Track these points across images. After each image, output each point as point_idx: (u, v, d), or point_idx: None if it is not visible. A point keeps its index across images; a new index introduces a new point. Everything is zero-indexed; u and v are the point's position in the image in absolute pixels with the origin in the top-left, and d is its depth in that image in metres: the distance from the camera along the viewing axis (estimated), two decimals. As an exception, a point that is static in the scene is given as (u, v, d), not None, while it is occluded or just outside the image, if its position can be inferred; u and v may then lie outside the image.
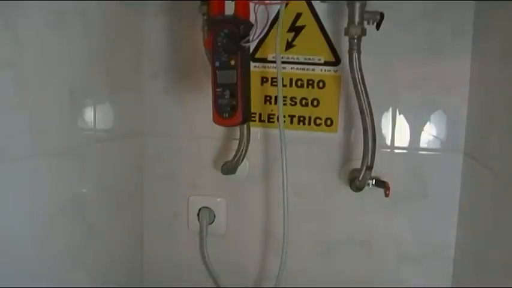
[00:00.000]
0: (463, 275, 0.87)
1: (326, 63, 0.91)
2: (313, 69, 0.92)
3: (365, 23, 0.78)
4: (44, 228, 0.68)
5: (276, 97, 0.93)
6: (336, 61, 0.91)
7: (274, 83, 0.93)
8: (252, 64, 0.89)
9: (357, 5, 0.76)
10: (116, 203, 0.89)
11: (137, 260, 1.02)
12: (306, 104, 0.93)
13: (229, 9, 0.77)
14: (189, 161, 0.99)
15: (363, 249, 0.95)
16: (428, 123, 0.89)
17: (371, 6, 0.78)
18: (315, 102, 0.92)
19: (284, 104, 0.92)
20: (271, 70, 0.93)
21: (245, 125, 0.88)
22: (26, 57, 0.62)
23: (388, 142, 0.91)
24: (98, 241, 0.83)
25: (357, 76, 0.79)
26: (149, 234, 1.02)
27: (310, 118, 0.93)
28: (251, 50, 0.87)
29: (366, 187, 0.85)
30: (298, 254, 0.94)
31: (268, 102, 0.94)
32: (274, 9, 0.81)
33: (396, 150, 0.91)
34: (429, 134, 0.90)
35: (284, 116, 0.92)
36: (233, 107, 0.74)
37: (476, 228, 0.82)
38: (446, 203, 0.90)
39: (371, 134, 0.81)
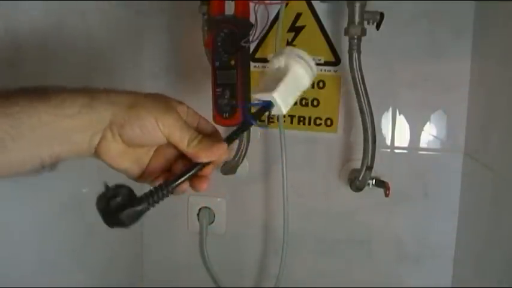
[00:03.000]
0: (463, 275, 0.87)
1: (326, 63, 0.91)
2: (313, 69, 0.91)
3: (365, 23, 0.78)
4: (44, 228, 0.68)
5: (276, 97, 0.93)
6: (336, 61, 0.91)
7: (274, 83, 0.93)
8: (252, 64, 0.89)
9: (357, 5, 0.76)
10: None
11: (137, 260, 1.02)
12: (306, 104, 0.93)
13: (229, 9, 0.77)
14: (189, 161, 0.99)
15: (363, 249, 0.95)
16: (428, 123, 0.89)
17: (371, 6, 0.78)
18: (315, 102, 0.92)
19: (284, 104, 0.92)
20: (271, 70, 0.93)
21: (245, 125, 0.88)
22: (26, 57, 0.62)
23: (388, 142, 0.91)
24: (97, 241, 0.83)
25: (357, 76, 0.79)
26: (149, 234, 1.02)
27: (310, 118, 0.93)
28: (251, 50, 0.87)
29: (366, 187, 0.85)
30: (298, 253, 0.94)
31: (268, 102, 0.94)
32: (274, 9, 0.81)
33: (396, 150, 0.91)
34: (429, 134, 0.90)
35: (284, 116, 0.92)
36: (233, 106, 0.74)
37: (476, 228, 0.82)
38: (446, 203, 0.90)
39: (371, 134, 0.81)
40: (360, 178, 0.83)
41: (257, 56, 0.92)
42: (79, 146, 0.39)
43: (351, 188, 0.88)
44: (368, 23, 0.78)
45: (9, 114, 0.35)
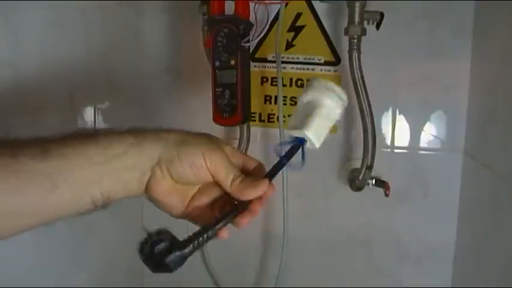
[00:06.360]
0: (463, 275, 0.87)
1: (326, 63, 0.91)
2: (313, 69, 0.92)
3: (365, 22, 0.78)
4: (44, 228, 0.68)
5: (276, 97, 0.93)
6: (336, 61, 0.91)
7: (274, 83, 0.93)
8: (252, 64, 0.89)
9: (357, 4, 0.76)
10: (115, 203, 0.89)
11: (137, 260, 1.02)
12: (306, 104, 0.93)
13: (229, 9, 0.77)
14: (189, 161, 0.98)
15: (363, 249, 0.94)
16: (428, 123, 0.89)
17: (371, 6, 0.78)
18: (315, 102, 0.92)
19: (284, 104, 0.92)
20: (271, 70, 0.93)
21: (245, 125, 0.88)
22: (26, 57, 0.62)
23: (388, 142, 0.91)
24: (97, 241, 0.83)
25: (356, 76, 0.79)
26: (149, 234, 1.02)
27: (310, 118, 0.93)
28: (251, 50, 0.87)
29: (366, 187, 0.85)
30: (298, 253, 0.93)
31: (268, 102, 0.94)
32: (274, 9, 0.81)
33: (396, 150, 0.91)
34: (429, 133, 0.90)
35: (284, 116, 0.92)
36: (233, 106, 0.74)
37: (476, 228, 0.82)
38: (446, 203, 0.90)
39: (371, 134, 0.81)
40: (360, 178, 0.83)
41: (257, 56, 0.92)
42: (129, 184, 0.40)
43: (351, 188, 0.88)
44: (368, 23, 0.78)
45: (61, 154, 0.37)
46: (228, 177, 0.42)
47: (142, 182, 0.41)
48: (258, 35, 0.74)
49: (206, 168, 0.41)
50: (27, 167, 0.35)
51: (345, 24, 0.79)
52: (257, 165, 0.46)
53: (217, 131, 0.94)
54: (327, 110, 0.46)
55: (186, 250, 0.39)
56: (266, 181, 0.43)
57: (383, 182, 0.85)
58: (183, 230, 0.43)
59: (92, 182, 0.38)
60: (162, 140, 0.40)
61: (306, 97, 0.46)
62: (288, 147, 0.46)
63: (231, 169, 0.42)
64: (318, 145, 0.46)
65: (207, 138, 0.43)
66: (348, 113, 0.91)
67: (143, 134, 0.40)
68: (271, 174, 0.44)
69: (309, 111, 0.45)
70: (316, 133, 0.45)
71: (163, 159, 0.40)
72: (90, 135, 0.39)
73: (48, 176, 0.36)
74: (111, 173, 0.39)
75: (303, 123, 0.45)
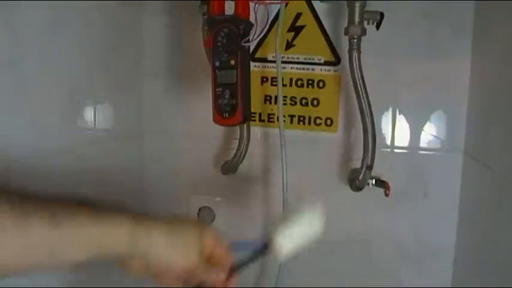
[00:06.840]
0: (463, 275, 0.87)
1: (326, 63, 0.91)
2: (313, 69, 0.92)
3: (365, 22, 0.78)
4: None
5: (276, 97, 0.93)
6: (336, 61, 0.91)
7: (274, 83, 0.93)
8: (252, 64, 0.89)
9: (357, 4, 0.76)
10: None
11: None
12: (306, 104, 0.93)
13: (229, 9, 0.77)
14: (189, 160, 0.99)
15: (363, 249, 0.94)
16: (428, 123, 0.89)
17: (371, 6, 0.78)
18: (315, 102, 0.92)
19: (284, 104, 0.92)
20: (271, 70, 0.93)
21: (245, 125, 0.88)
22: (26, 57, 0.62)
23: (388, 142, 0.91)
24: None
25: (356, 76, 0.79)
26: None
27: (310, 118, 0.93)
28: (251, 50, 0.87)
29: (366, 187, 0.85)
30: (298, 253, 0.93)
31: (268, 102, 0.94)
32: (274, 9, 0.81)
33: (396, 150, 0.91)
34: (429, 133, 0.90)
35: (284, 116, 0.93)
36: (233, 106, 0.74)
37: (476, 228, 0.82)
38: (446, 203, 0.89)
39: (371, 134, 0.81)
40: (360, 178, 0.83)
41: (257, 56, 0.92)
42: (108, 257, 0.46)
43: (351, 188, 0.87)
44: (368, 23, 0.78)
45: (67, 222, 0.42)
46: (193, 274, 0.50)
47: (120, 259, 0.47)
48: (258, 35, 0.74)
49: (180, 268, 0.49)
50: (35, 231, 0.40)
51: (345, 24, 0.79)
52: (223, 259, 0.56)
53: (217, 130, 0.95)
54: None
55: None
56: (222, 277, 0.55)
57: (383, 182, 0.85)
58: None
59: (84, 249, 0.44)
60: (151, 237, 0.47)
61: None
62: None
63: (199, 270, 0.51)
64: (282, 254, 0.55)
65: (191, 243, 0.50)
66: (348, 113, 0.91)
67: (138, 225, 0.46)
68: (231, 269, 0.56)
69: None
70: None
71: (142, 251, 0.46)
72: (94, 211, 0.45)
73: (52, 242, 0.41)
74: (100, 247, 0.44)
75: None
